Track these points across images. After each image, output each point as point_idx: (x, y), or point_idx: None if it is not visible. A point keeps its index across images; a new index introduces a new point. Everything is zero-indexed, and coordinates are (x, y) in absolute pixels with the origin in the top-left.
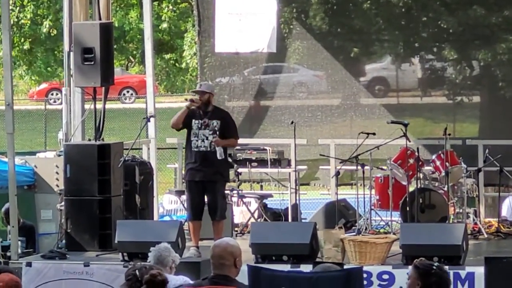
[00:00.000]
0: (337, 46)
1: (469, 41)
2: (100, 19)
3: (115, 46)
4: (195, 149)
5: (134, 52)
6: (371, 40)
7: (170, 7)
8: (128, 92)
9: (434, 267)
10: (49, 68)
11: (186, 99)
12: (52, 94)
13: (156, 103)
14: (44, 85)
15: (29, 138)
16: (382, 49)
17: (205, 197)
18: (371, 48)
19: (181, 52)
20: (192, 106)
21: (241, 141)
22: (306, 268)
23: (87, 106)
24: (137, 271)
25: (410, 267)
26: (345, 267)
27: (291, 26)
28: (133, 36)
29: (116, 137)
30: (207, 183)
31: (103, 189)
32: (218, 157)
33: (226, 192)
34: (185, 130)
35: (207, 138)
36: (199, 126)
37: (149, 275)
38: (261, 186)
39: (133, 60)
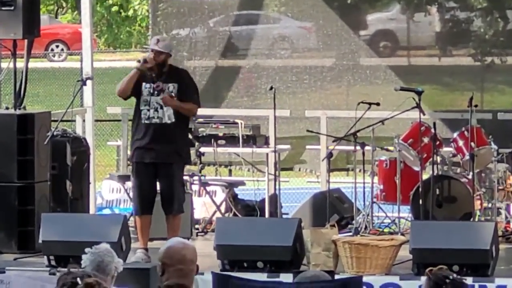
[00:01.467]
0: None
1: None
2: None
3: None
4: (145, 121)
5: None
6: None
7: None
8: (57, 47)
9: (449, 280)
10: None
11: (138, 61)
12: None
13: (95, 62)
14: None
15: None
16: None
17: (157, 184)
18: None
19: None
20: (145, 67)
21: (204, 111)
22: (288, 278)
23: (4, 65)
24: (78, 279)
25: (424, 278)
26: (338, 277)
27: None
28: None
29: (41, 105)
30: (161, 166)
31: (24, 173)
32: (167, 120)
33: (184, 178)
34: (132, 98)
35: (161, 107)
36: (151, 91)
37: (84, 285)
38: (230, 171)
39: (64, 6)
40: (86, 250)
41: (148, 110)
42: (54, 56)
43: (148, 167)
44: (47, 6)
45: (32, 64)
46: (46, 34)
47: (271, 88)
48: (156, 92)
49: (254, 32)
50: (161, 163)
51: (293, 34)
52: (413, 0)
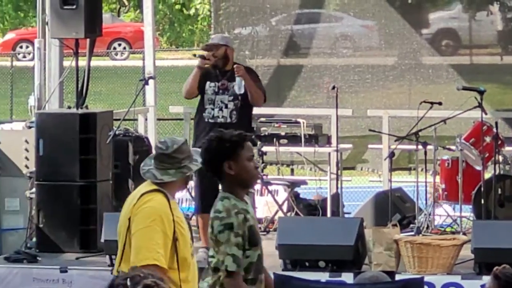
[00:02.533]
0: None
1: None
2: None
3: None
4: (210, 120)
5: None
6: None
7: None
8: (120, 45)
9: None
10: (19, 13)
11: (194, 55)
12: (21, 47)
13: (157, 60)
14: (11, 35)
15: None
16: None
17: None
18: None
19: None
20: (205, 64)
21: (266, 111)
22: (349, 278)
23: (66, 64)
24: (128, 280)
25: (486, 277)
26: (400, 277)
27: None
28: None
29: (103, 103)
30: None
31: (86, 172)
32: (237, 91)
33: None
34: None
35: (226, 106)
36: (216, 90)
37: (142, 286)
38: (292, 170)
39: (126, 4)
40: None
41: (213, 109)
42: (116, 54)
43: None
44: (110, 4)
45: (95, 62)
46: (108, 33)
47: (333, 87)
48: (221, 91)
49: (315, 30)
50: None
51: (355, 33)
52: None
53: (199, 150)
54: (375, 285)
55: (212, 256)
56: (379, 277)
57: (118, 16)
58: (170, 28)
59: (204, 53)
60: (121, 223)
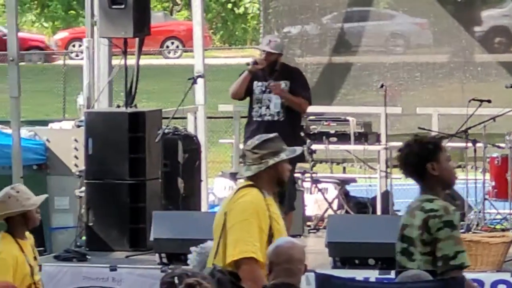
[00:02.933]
0: None
1: None
2: None
3: None
4: (257, 119)
5: None
6: None
7: None
8: (172, 43)
9: None
10: (70, 12)
11: (247, 64)
12: (73, 46)
13: (209, 59)
14: (64, 34)
15: (44, 102)
16: None
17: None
18: None
19: None
20: (256, 68)
21: (316, 109)
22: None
23: (115, 63)
24: (176, 278)
25: None
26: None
27: None
28: None
29: (156, 102)
30: None
31: (135, 171)
32: (273, 109)
33: (296, 175)
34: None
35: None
36: (263, 89)
37: (184, 285)
38: (344, 169)
39: (179, 3)
40: (192, 249)
41: (260, 107)
42: (169, 53)
43: None
44: (162, 3)
45: (147, 61)
46: (161, 31)
47: (382, 86)
48: (268, 90)
49: (365, 29)
50: None
51: (406, 31)
52: None
53: (298, 148)
54: (415, 284)
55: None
56: (421, 276)
57: (171, 14)
58: (223, 27)
59: (258, 57)
60: (217, 218)
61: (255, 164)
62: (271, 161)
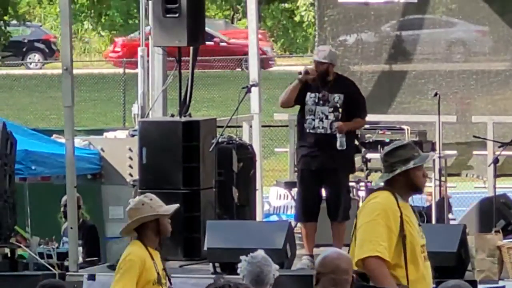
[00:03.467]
0: None
1: None
2: None
3: None
4: (310, 131)
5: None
6: None
7: None
8: None
9: None
10: (129, 21)
11: (300, 73)
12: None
13: (271, 67)
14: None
15: (104, 111)
16: None
17: (323, 191)
18: None
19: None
20: (307, 79)
21: (371, 118)
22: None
23: (170, 72)
24: None
25: None
26: (503, 283)
27: None
28: None
29: (217, 110)
30: (326, 173)
31: (189, 180)
32: (338, 146)
33: (350, 184)
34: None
35: (326, 117)
36: (316, 100)
37: None
38: None
39: (240, 11)
40: (242, 258)
41: (313, 119)
42: None
43: (313, 174)
44: (224, 11)
45: (207, 70)
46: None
47: (436, 94)
48: (321, 102)
49: (421, 37)
50: (326, 170)
51: (466, 38)
52: None
53: (430, 154)
54: None
55: None
56: (461, 286)
57: (232, 22)
58: (284, 35)
59: (309, 67)
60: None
61: (387, 171)
62: (398, 169)
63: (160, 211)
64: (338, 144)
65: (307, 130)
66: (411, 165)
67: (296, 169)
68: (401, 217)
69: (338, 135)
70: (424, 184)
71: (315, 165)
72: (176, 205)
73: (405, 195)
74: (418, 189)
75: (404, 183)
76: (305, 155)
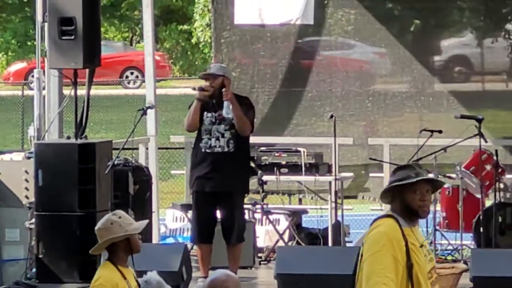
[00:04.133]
0: (396, 16)
1: None
2: None
3: (116, 13)
4: (206, 150)
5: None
6: (441, 9)
7: None
8: (132, 74)
9: None
10: (28, 42)
11: (193, 89)
12: (32, 76)
13: (169, 89)
14: (22, 64)
15: (2, 133)
16: (458, 21)
17: (218, 212)
18: (443, 19)
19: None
20: (204, 96)
21: (267, 140)
22: None
23: (65, 93)
24: None
25: None
26: None
27: None
28: (137, 0)
29: (115, 132)
30: (221, 195)
31: (85, 202)
32: (224, 114)
33: (247, 207)
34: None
35: (222, 136)
36: (213, 120)
37: None
38: (300, 200)
39: (138, 33)
40: (140, 280)
41: (209, 139)
42: (128, 83)
43: (208, 196)
44: (122, 33)
45: (107, 91)
46: (120, 61)
47: (331, 116)
48: (217, 121)
49: (317, 58)
50: (221, 192)
51: (364, 60)
52: (483, 27)
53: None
54: None
55: None
56: None
57: (131, 45)
58: (182, 56)
59: (204, 84)
60: (360, 251)
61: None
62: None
63: (130, 230)
64: (224, 111)
65: (203, 150)
66: (394, 184)
67: (191, 191)
68: (406, 245)
69: (225, 103)
70: (422, 206)
71: (209, 187)
72: (146, 221)
73: (408, 220)
74: (414, 212)
75: (400, 207)
76: (200, 177)
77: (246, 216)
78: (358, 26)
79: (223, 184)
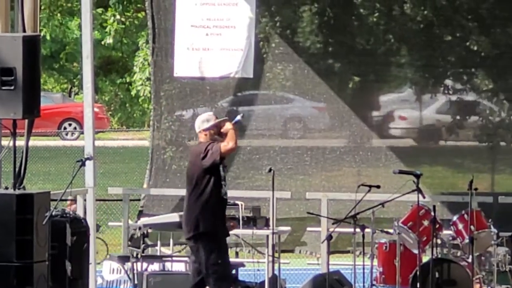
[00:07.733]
0: (336, 71)
1: (508, 67)
2: (24, 30)
3: (55, 65)
4: (223, 197)
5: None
6: (380, 64)
7: (118, 17)
8: (70, 125)
9: None
10: None
11: (242, 116)
12: None
13: (108, 141)
14: None
15: None
16: (395, 76)
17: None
18: (382, 74)
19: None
20: None
21: None
22: None
23: (5, 143)
24: None
25: None
26: None
27: (273, 45)
28: (77, 51)
29: (53, 183)
30: None
31: (23, 253)
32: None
33: (184, 259)
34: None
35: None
36: (222, 167)
37: None
38: (237, 253)
39: (77, 85)
40: None
41: (225, 185)
42: (66, 134)
43: None
44: (61, 84)
45: (44, 142)
46: (59, 113)
47: (270, 170)
48: (225, 169)
49: (255, 112)
50: None
51: (301, 115)
52: (421, 82)
53: None
54: None
55: None
56: None
57: (70, 96)
58: (121, 109)
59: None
60: None
61: None
62: None
63: None
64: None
65: (224, 197)
66: None
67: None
68: None
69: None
70: None
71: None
72: None
73: None
74: None
75: None
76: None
77: (183, 269)
78: (297, 80)
79: None
